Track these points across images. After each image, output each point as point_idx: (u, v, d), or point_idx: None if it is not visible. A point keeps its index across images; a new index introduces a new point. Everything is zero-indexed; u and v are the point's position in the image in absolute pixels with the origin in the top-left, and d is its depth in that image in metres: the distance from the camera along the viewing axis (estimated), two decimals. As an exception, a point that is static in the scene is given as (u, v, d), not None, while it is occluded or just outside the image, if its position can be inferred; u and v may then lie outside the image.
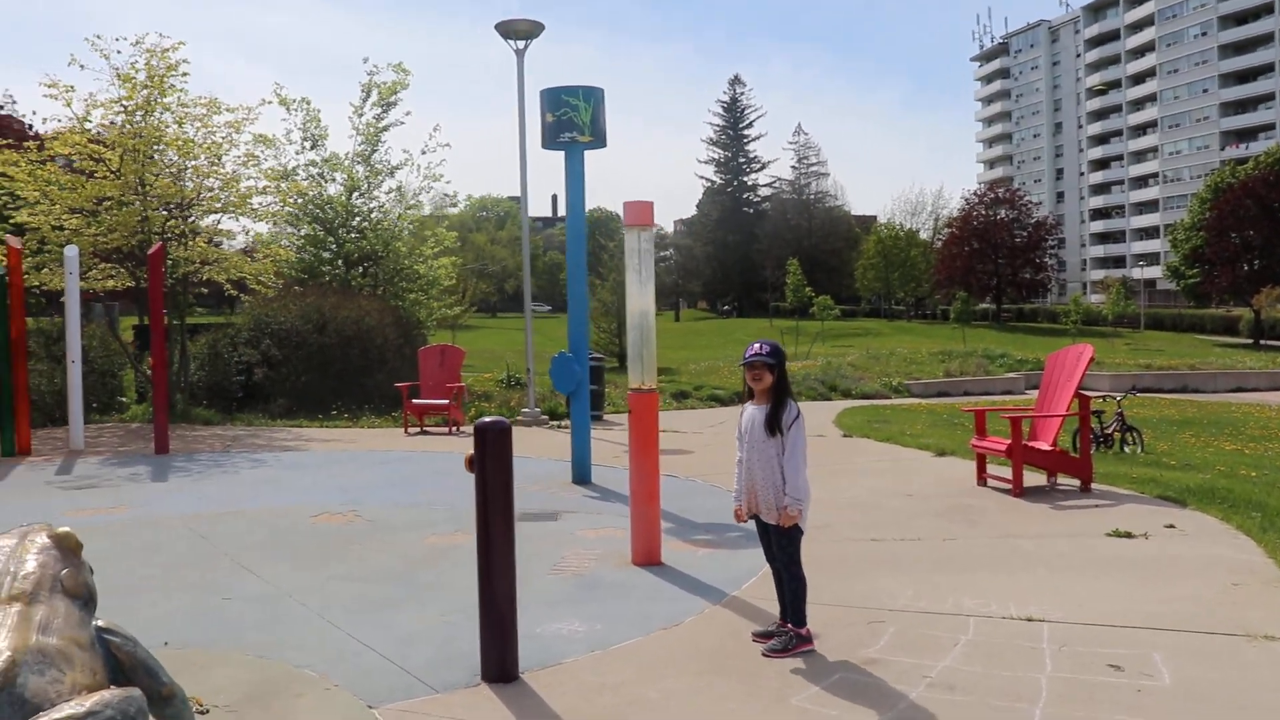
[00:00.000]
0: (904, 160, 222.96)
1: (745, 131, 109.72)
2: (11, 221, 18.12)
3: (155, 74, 18.12)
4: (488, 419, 5.13)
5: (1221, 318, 73.82)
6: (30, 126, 30.32)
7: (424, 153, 25.47)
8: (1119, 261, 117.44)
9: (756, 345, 5.45)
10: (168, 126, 18.37)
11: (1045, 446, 10.22)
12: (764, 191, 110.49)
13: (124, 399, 19.97)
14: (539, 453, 13.87)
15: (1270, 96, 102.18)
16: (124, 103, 18.05)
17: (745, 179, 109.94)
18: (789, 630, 5.45)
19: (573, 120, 11.15)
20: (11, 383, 14.33)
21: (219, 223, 20.67)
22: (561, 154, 11.31)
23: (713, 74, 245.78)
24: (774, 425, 5.30)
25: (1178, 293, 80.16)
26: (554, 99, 11.19)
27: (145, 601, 6.63)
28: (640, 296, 7.65)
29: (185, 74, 18.54)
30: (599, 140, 11.37)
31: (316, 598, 6.69)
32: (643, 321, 7.66)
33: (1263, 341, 63.31)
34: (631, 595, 6.72)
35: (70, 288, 14.55)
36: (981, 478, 10.67)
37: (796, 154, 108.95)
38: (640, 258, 7.61)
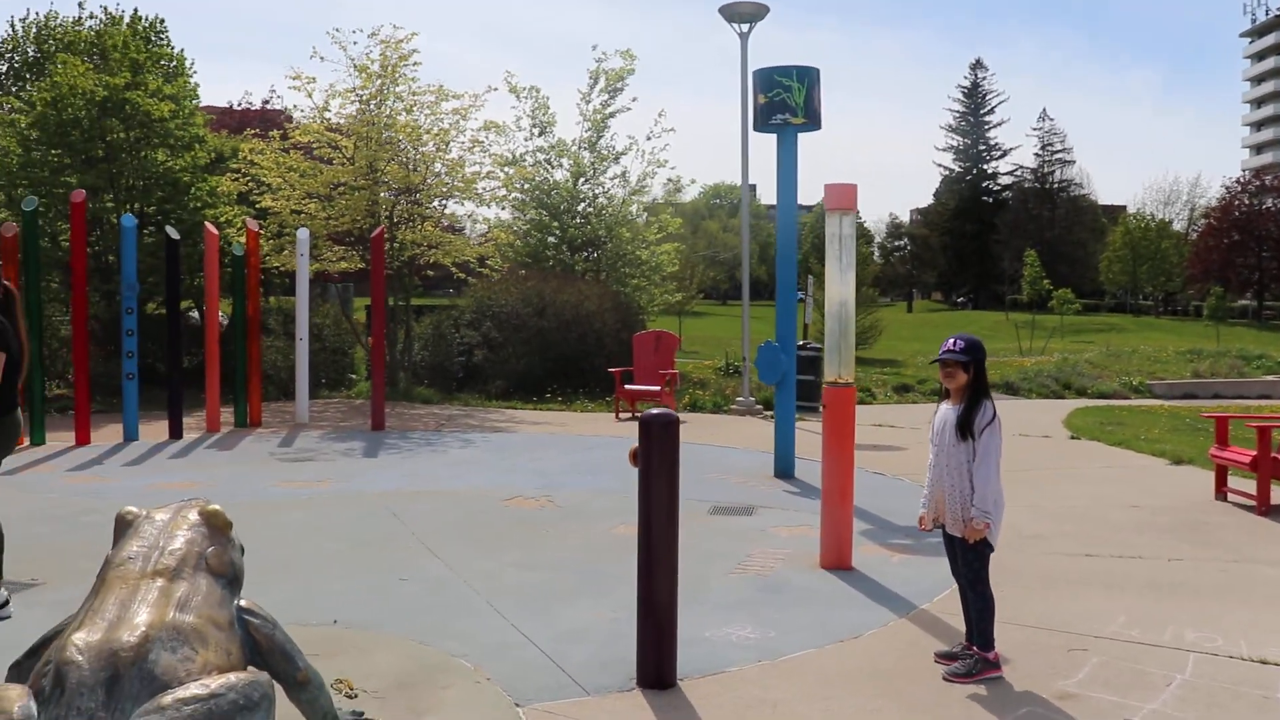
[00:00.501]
0: (1159, 147, 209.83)
1: (986, 118, 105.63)
2: (257, 206, 19.14)
3: (389, 64, 18.77)
4: (654, 410, 4.88)
5: None
6: (290, 118, 32.19)
7: (649, 138, 25.51)
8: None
9: (951, 341, 4.98)
10: (399, 114, 18.99)
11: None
12: (1004, 180, 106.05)
13: (354, 375, 20.86)
14: (747, 444, 13.58)
15: None
16: (359, 92, 18.78)
17: (985, 167, 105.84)
18: (974, 653, 4.97)
19: (785, 101, 10.76)
20: (247, 358, 15.12)
21: (445, 207, 21.27)
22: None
23: (955, 58, 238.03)
24: (966, 428, 4.83)
25: None
26: (767, 79, 10.83)
27: (327, 577, 6.73)
28: (840, 284, 7.24)
29: (417, 63, 19.15)
30: (813, 122, 10.94)
31: (492, 584, 6.62)
32: (842, 311, 7.26)
33: None
34: (814, 601, 6.35)
35: (300, 268, 15.21)
36: (1221, 491, 9.68)
37: (1040, 141, 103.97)
38: (841, 243, 7.20)
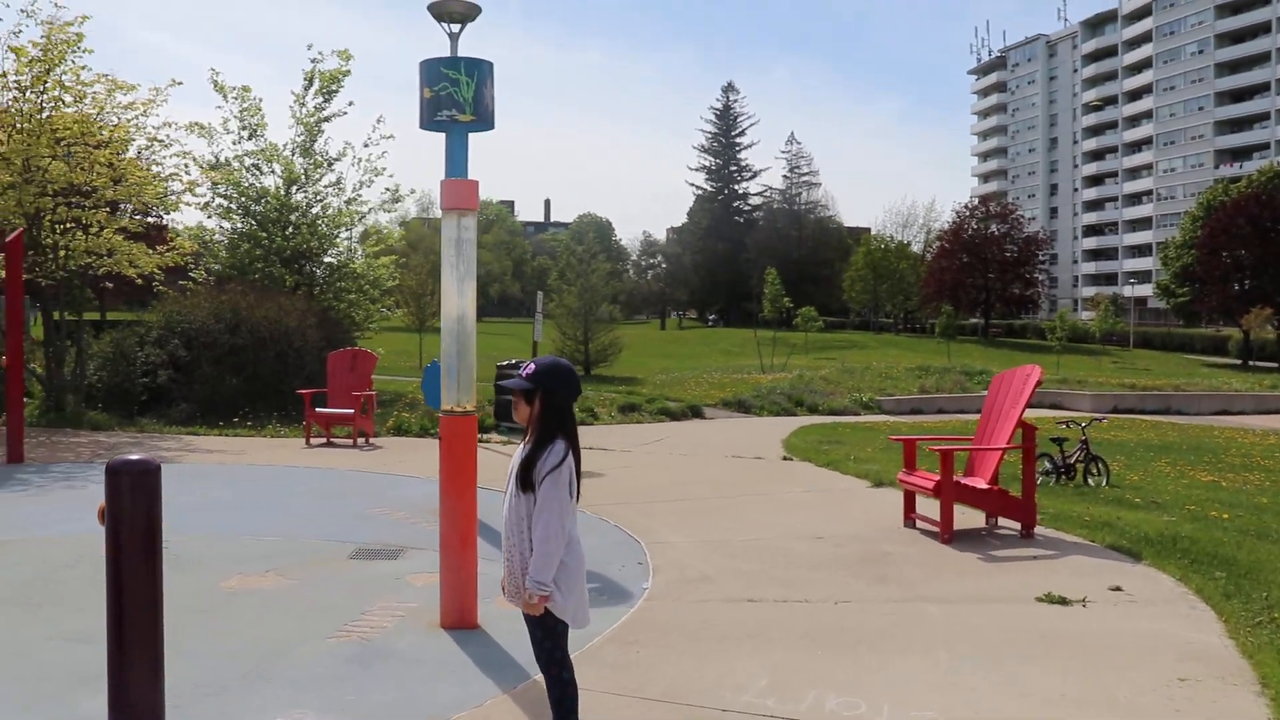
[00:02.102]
0: (899, 173, 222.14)
1: (737, 139, 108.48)
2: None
3: (53, 47, 16.65)
4: (127, 457, 3.66)
5: (1210, 337, 72.47)
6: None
7: (366, 145, 23.96)
8: (1111, 279, 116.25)
9: (527, 365, 3.97)
10: (65, 105, 16.89)
11: (982, 484, 8.76)
12: (754, 200, 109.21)
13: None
14: (434, 471, 12.38)
15: (1265, 116, 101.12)
16: (13, 77, 16.57)
17: (736, 187, 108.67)
18: (557, 753, 3.97)
19: (453, 97, 9.61)
20: None
21: (127, 213, 19.17)
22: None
23: (711, 81, 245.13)
24: (526, 475, 3.82)
25: (1167, 311, 78.85)
26: (433, 72, 9.65)
27: None
28: (458, 296, 6.19)
29: (88, 50, 17.06)
30: (484, 121, 9.83)
31: (18, 664, 5.25)
32: (459, 328, 6.18)
33: (1251, 363, 61.93)
34: (410, 674, 5.26)
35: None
36: (909, 517, 9.19)
37: (789, 163, 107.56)
38: (459, 249, 6.17)
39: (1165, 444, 19.34)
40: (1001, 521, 9.15)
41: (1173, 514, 10.15)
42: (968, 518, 9.24)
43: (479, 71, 9.72)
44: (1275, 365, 59.72)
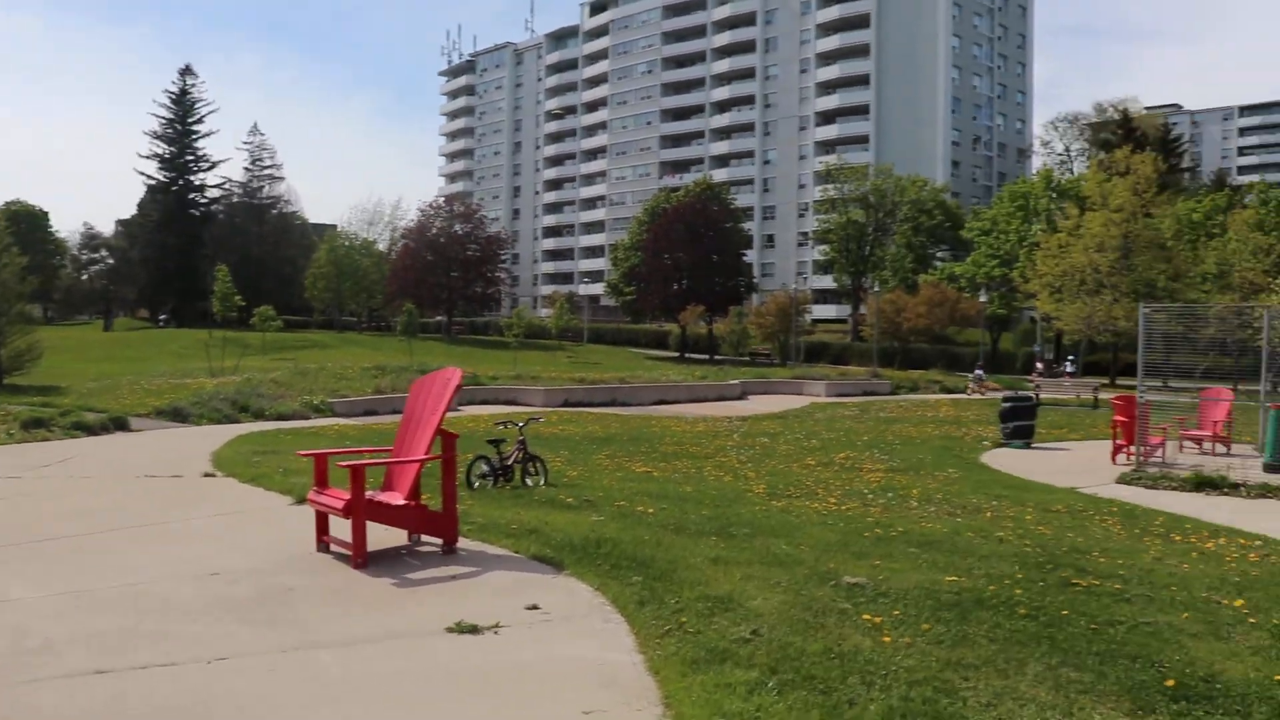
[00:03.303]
0: (372, 170, 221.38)
1: (195, 127, 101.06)
2: None
3: None
4: None
5: (654, 333, 78.77)
6: None
7: None
8: (568, 278, 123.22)
9: None
10: None
11: (399, 500, 7.94)
12: (213, 193, 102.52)
13: None
14: None
15: (701, 134, 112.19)
16: None
17: (192, 178, 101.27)
18: None
19: None
20: None
21: None
22: None
23: (172, 62, 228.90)
24: None
25: (617, 309, 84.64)
26: None
27: None
28: None
29: None
30: None
31: None
32: None
33: (687, 355, 67.98)
34: None
35: None
36: (322, 540, 8.16)
37: (251, 155, 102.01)
38: None
39: (608, 435, 19.99)
40: (427, 537, 8.42)
41: (603, 512, 10.04)
42: (391, 535, 8.42)
43: None
44: (706, 357, 65.90)
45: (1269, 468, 14.97)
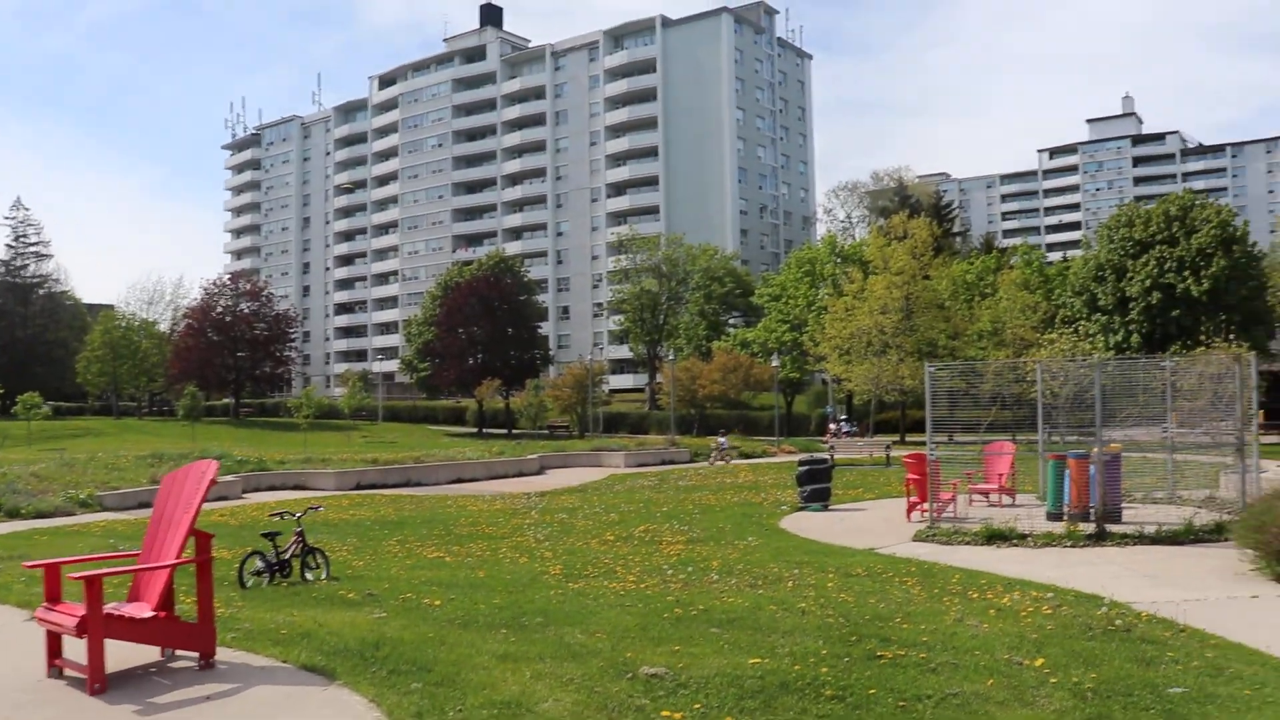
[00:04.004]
0: (151, 248, 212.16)
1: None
2: None
3: None
4: None
5: (451, 408, 77.50)
6: None
7: None
8: (362, 355, 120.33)
9: None
10: None
11: (146, 612, 7.04)
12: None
13: None
14: None
15: (493, 207, 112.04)
16: None
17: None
18: None
19: None
20: None
21: None
22: None
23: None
24: None
25: (413, 385, 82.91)
26: None
27: None
28: None
29: None
30: None
31: None
32: None
33: (485, 430, 66.98)
34: None
35: None
36: (54, 664, 7.15)
37: (14, 231, 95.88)
38: None
39: (401, 519, 19.10)
40: (182, 650, 7.52)
41: (386, 607, 9.31)
42: (141, 650, 7.49)
43: None
44: (504, 432, 65.07)
45: (1051, 516, 15.48)
